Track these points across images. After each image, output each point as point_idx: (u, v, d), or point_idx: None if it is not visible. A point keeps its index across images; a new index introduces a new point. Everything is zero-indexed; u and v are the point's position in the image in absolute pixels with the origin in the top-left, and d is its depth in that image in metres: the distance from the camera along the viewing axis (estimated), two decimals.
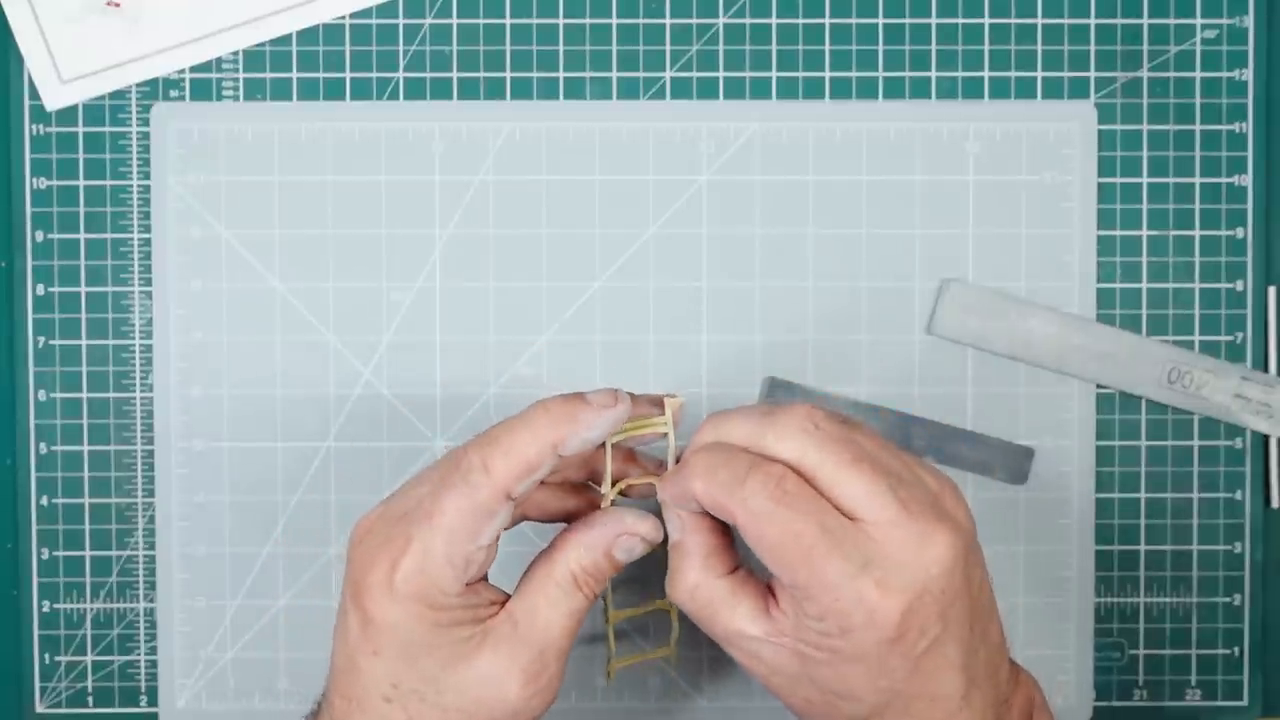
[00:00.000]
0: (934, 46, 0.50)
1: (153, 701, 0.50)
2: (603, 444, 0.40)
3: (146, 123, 0.49)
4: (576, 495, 0.43)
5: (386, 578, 0.37)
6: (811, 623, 0.37)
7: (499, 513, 0.37)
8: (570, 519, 0.42)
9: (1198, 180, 0.50)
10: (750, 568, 0.40)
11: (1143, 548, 0.50)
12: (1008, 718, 0.39)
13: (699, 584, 0.39)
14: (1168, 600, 0.50)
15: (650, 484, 0.41)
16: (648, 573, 0.48)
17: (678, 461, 0.40)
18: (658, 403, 0.41)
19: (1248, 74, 0.50)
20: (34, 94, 0.49)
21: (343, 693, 0.39)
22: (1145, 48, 0.50)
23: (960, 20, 0.50)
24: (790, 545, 0.36)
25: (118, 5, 0.49)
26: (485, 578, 0.40)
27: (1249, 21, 0.50)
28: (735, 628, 0.38)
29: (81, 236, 0.50)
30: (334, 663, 0.39)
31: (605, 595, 0.45)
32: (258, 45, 0.50)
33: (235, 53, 0.50)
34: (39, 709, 0.50)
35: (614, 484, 0.41)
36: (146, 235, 0.50)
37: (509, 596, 0.39)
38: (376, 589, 0.37)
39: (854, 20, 0.50)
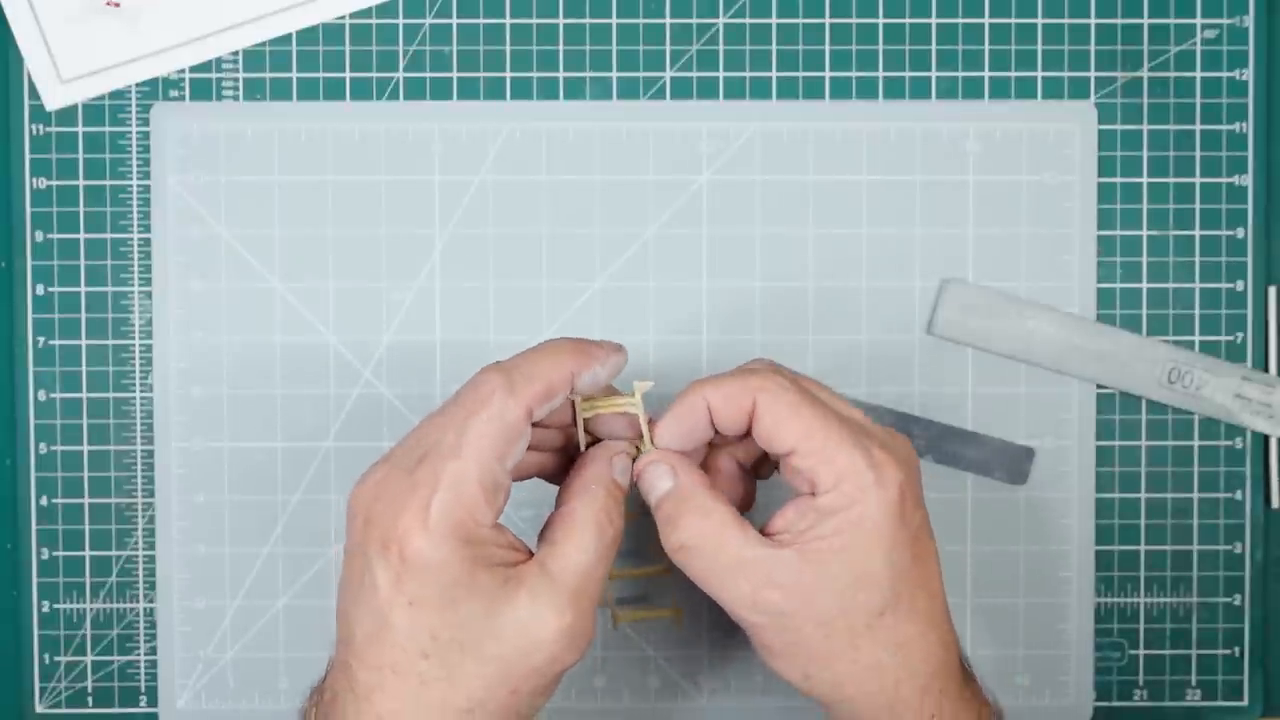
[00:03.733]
0: (934, 46, 0.50)
1: (153, 702, 0.50)
2: (574, 408, 0.41)
3: (146, 123, 0.50)
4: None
5: (420, 518, 0.37)
6: (824, 499, 0.39)
7: (523, 433, 0.38)
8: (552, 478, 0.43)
9: (1198, 180, 0.50)
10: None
11: (1143, 548, 0.50)
12: (959, 647, 0.42)
13: (708, 512, 0.39)
14: (1168, 600, 0.50)
15: (628, 442, 0.42)
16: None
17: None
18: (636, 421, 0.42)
19: (1248, 74, 0.50)
20: (34, 94, 0.49)
21: (369, 663, 0.38)
22: (1145, 48, 0.50)
23: (960, 20, 0.50)
24: (806, 410, 0.39)
25: (118, 5, 0.49)
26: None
27: (1249, 21, 0.50)
28: (749, 550, 0.39)
29: (81, 236, 0.50)
30: (353, 634, 0.38)
31: None
32: (258, 45, 0.50)
33: (235, 53, 0.50)
34: (39, 709, 0.50)
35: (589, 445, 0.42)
36: (146, 235, 0.50)
37: (531, 552, 0.39)
38: (412, 532, 0.37)
39: (854, 20, 0.50)
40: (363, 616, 0.38)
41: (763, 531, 0.40)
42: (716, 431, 0.41)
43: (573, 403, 0.41)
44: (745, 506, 0.43)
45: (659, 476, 0.41)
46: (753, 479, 0.44)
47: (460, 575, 0.37)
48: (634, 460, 0.41)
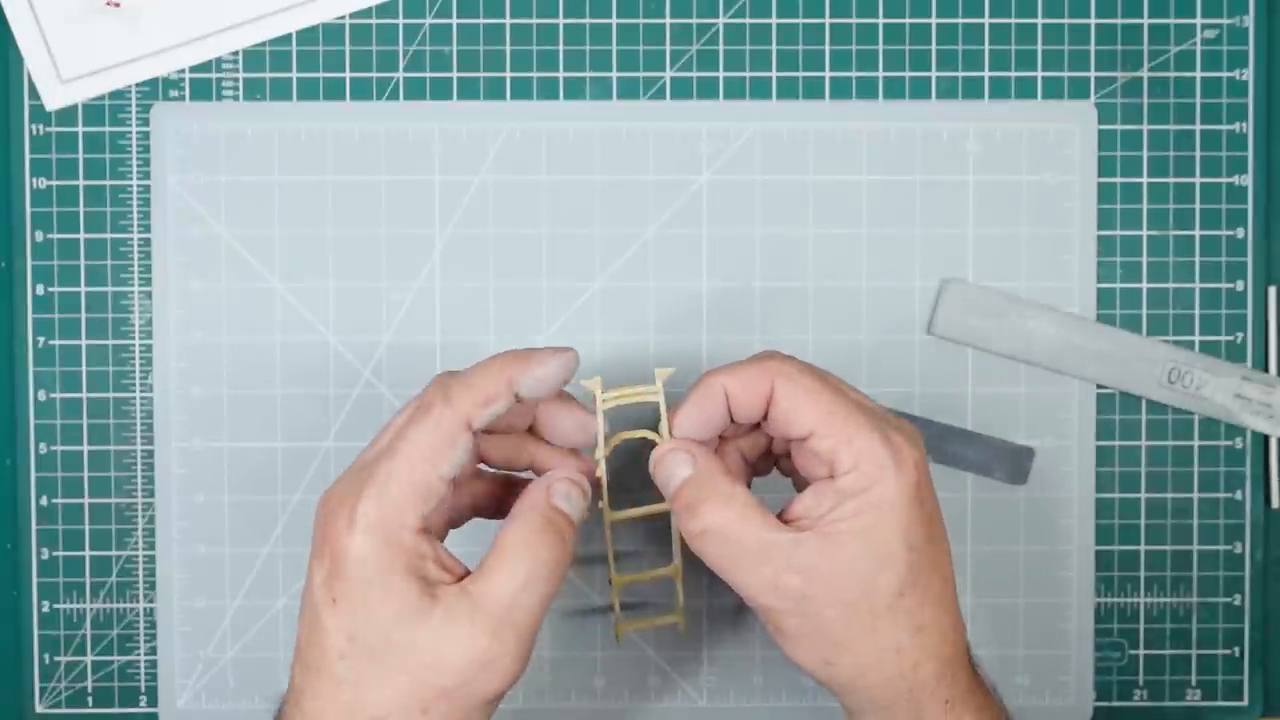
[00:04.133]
0: (934, 46, 0.50)
1: (153, 702, 0.50)
2: (595, 408, 0.42)
3: (146, 123, 0.50)
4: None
5: (349, 517, 0.38)
6: (844, 480, 0.39)
7: (458, 442, 0.38)
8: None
9: (1198, 180, 0.50)
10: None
11: (1143, 548, 0.50)
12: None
13: (729, 498, 0.39)
14: (1168, 600, 0.50)
15: (644, 439, 0.42)
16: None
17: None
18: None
19: (1248, 74, 0.50)
20: (34, 94, 0.49)
21: (303, 663, 0.39)
22: (1145, 48, 0.50)
23: (960, 20, 0.50)
24: (825, 393, 0.40)
25: (118, 5, 0.49)
26: (443, 542, 0.40)
27: (1249, 21, 0.50)
28: (771, 535, 0.39)
29: (81, 236, 0.50)
30: (298, 638, 0.39)
31: (609, 561, 0.44)
32: (258, 45, 0.50)
33: (235, 53, 0.50)
34: (39, 709, 0.50)
35: (608, 449, 0.42)
36: (146, 235, 0.50)
37: (469, 573, 0.39)
38: (340, 530, 0.38)
39: (854, 20, 0.50)
40: (305, 617, 0.39)
41: (780, 519, 0.40)
42: (732, 420, 0.41)
43: (595, 396, 0.42)
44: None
45: (678, 464, 0.40)
46: (752, 475, 0.44)
47: (377, 575, 0.37)
48: (648, 450, 0.42)
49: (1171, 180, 0.50)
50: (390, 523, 0.38)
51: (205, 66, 0.50)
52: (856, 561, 0.38)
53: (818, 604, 0.39)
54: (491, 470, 0.44)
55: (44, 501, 0.50)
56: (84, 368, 0.50)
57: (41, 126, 0.50)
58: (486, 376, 0.39)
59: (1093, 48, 0.50)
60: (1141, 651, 0.51)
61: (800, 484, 0.43)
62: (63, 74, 0.49)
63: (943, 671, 0.40)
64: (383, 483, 0.38)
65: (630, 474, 0.46)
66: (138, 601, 0.50)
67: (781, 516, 0.40)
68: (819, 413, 0.39)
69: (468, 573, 0.39)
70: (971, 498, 0.50)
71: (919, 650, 0.39)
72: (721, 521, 0.39)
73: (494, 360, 0.40)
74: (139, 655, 0.50)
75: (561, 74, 0.50)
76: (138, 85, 0.50)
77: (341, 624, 0.38)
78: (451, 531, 0.43)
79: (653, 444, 0.41)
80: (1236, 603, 0.50)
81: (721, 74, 0.50)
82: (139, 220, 0.50)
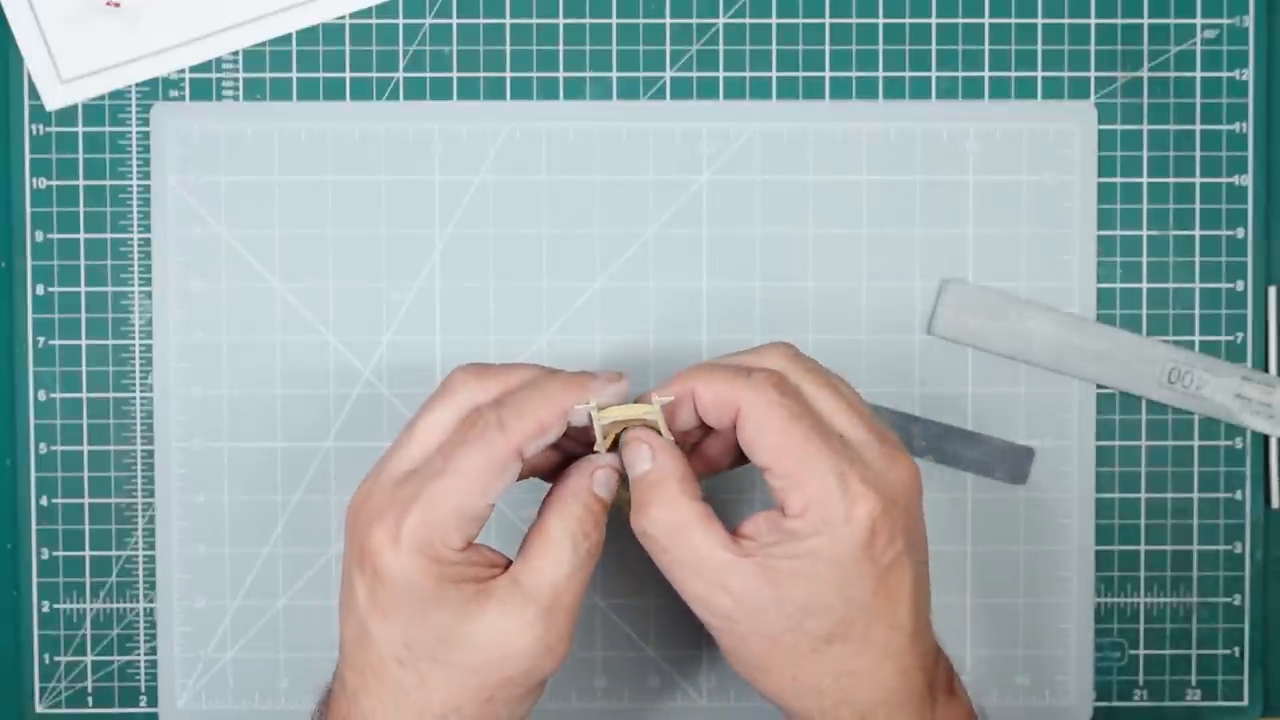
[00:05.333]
0: (934, 46, 0.50)
1: (153, 702, 0.50)
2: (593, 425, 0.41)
3: (146, 123, 0.49)
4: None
5: (392, 534, 0.38)
6: (791, 523, 0.38)
7: (509, 470, 0.39)
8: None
9: (1198, 180, 0.50)
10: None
11: (1143, 548, 0.50)
12: (936, 671, 0.41)
13: (674, 506, 0.39)
14: (1168, 600, 0.50)
15: (642, 426, 0.41)
16: (639, 566, 0.48)
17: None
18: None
19: (1248, 74, 0.50)
20: (34, 94, 0.49)
21: (355, 666, 0.39)
22: (1145, 48, 0.50)
23: (960, 20, 0.50)
24: (789, 430, 0.38)
25: (118, 5, 0.49)
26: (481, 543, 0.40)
27: (1249, 21, 0.50)
28: (708, 551, 0.39)
29: (81, 236, 0.50)
30: (343, 638, 0.40)
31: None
32: (258, 45, 0.50)
33: (235, 53, 0.50)
34: (39, 709, 0.50)
35: (607, 443, 0.41)
36: (146, 235, 0.50)
37: (510, 562, 0.40)
38: (383, 547, 0.38)
39: (854, 20, 0.50)
40: (349, 622, 0.40)
41: (735, 531, 0.39)
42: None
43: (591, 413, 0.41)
44: (736, 464, 0.43)
45: (638, 457, 0.40)
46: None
47: (427, 590, 0.38)
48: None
49: (1171, 180, 0.50)
50: (436, 543, 0.38)
51: (205, 66, 0.50)
52: (786, 604, 0.38)
53: (743, 629, 0.39)
54: None
55: (44, 501, 0.50)
56: (84, 368, 0.50)
57: (41, 126, 0.50)
58: (544, 406, 0.39)
59: (1093, 48, 0.50)
60: (1141, 651, 0.51)
61: None
62: (63, 74, 0.49)
63: (869, 714, 0.39)
64: (430, 504, 0.38)
65: None
66: (138, 601, 0.50)
67: (736, 530, 0.39)
68: (776, 448, 0.38)
69: (509, 562, 0.40)
70: (971, 498, 0.50)
71: (840, 694, 0.39)
72: (662, 528, 0.39)
73: (549, 384, 0.40)
74: (139, 655, 0.50)
75: (561, 74, 0.50)
76: (138, 85, 0.50)
77: (393, 633, 0.38)
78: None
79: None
80: (1236, 603, 0.50)
81: (721, 74, 0.50)
82: (139, 220, 0.50)
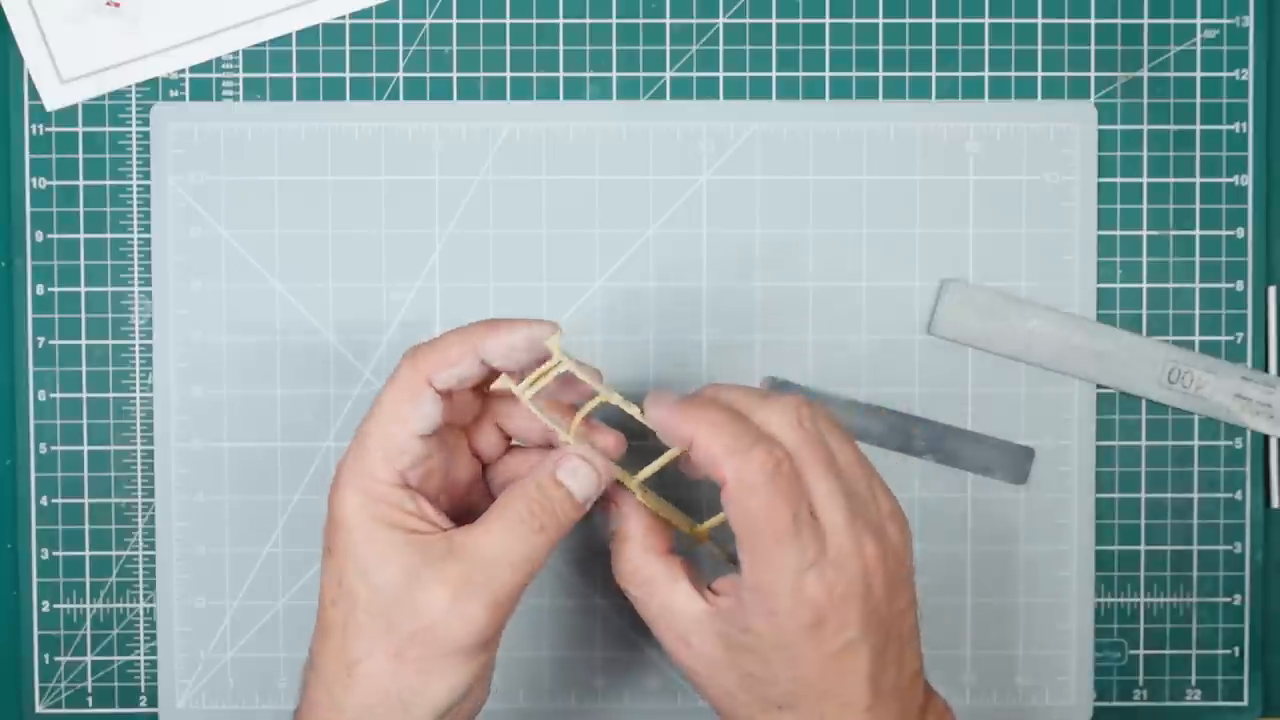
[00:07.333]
0: (934, 46, 0.50)
1: (153, 702, 0.50)
2: (531, 404, 0.41)
3: (146, 123, 0.50)
4: None
5: (338, 476, 0.40)
6: (746, 595, 0.38)
7: (422, 399, 0.40)
8: None
9: (1198, 180, 0.50)
10: (688, 560, 0.41)
11: (1143, 548, 0.50)
12: None
13: (641, 561, 0.41)
14: (1168, 600, 0.50)
15: (589, 449, 0.41)
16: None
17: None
18: (595, 375, 0.41)
19: (1248, 74, 0.50)
20: (34, 94, 0.49)
21: (319, 612, 0.40)
22: (1145, 48, 0.50)
23: (960, 20, 0.50)
24: (764, 520, 0.37)
25: (118, 5, 0.49)
26: (431, 502, 0.40)
27: (1249, 21, 0.50)
28: (672, 603, 0.40)
29: (81, 236, 0.50)
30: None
31: (671, 519, 0.43)
32: (258, 45, 0.50)
33: (235, 53, 0.50)
34: (39, 709, 0.50)
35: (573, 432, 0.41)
36: (146, 235, 0.50)
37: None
38: (333, 489, 0.40)
39: (854, 20, 0.50)
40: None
41: (711, 586, 0.40)
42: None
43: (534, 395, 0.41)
44: None
45: (610, 515, 0.42)
46: None
47: (359, 526, 0.39)
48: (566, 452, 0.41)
49: (1171, 180, 0.50)
50: (367, 477, 0.39)
51: (205, 66, 0.50)
52: (740, 666, 0.39)
53: (703, 681, 0.40)
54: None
55: (44, 501, 0.50)
56: (84, 368, 0.50)
57: (41, 126, 0.50)
58: (451, 340, 0.40)
59: (1093, 48, 0.50)
60: (1141, 651, 0.51)
61: None
62: (63, 74, 0.49)
63: None
64: (360, 442, 0.40)
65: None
66: (138, 601, 0.50)
67: (712, 585, 0.40)
68: (745, 529, 0.38)
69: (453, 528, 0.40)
70: (971, 498, 0.50)
71: None
72: (634, 582, 0.41)
73: (464, 327, 0.41)
74: (139, 655, 0.50)
75: (561, 74, 0.50)
76: (138, 85, 0.50)
77: (330, 570, 0.40)
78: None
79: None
80: (1236, 603, 0.50)
81: (721, 74, 0.50)
82: (139, 220, 0.50)
